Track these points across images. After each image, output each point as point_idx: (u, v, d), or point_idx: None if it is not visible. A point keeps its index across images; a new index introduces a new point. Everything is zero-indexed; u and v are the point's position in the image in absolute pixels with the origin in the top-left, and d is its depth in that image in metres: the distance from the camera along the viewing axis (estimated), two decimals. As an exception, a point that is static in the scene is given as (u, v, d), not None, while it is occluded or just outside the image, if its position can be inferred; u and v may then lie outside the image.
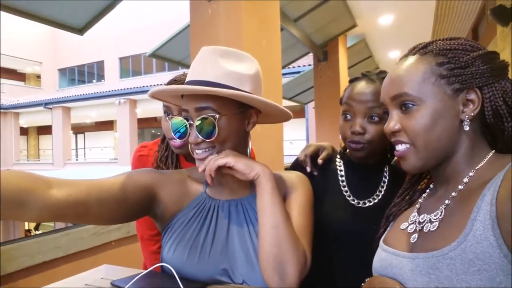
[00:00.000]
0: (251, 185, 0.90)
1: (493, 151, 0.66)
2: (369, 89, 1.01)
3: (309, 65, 6.12)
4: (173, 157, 1.26)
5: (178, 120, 0.85)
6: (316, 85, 5.62)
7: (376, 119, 0.99)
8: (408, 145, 0.67)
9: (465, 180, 0.65)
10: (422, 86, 0.66)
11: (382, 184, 1.07)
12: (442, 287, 0.55)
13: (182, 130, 0.85)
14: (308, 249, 0.81)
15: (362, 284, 0.73)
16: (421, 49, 0.70)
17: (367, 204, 1.03)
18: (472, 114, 0.65)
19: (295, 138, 13.06)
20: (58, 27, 2.47)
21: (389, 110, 0.70)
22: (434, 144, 0.66)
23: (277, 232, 0.76)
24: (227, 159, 0.79)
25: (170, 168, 1.23)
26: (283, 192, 0.89)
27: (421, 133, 0.65)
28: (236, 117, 0.84)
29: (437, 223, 0.64)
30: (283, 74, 8.87)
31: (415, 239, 0.66)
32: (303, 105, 10.34)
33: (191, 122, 0.82)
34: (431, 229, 0.64)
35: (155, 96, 0.88)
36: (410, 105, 0.66)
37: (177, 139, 0.86)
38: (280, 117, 0.93)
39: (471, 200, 0.59)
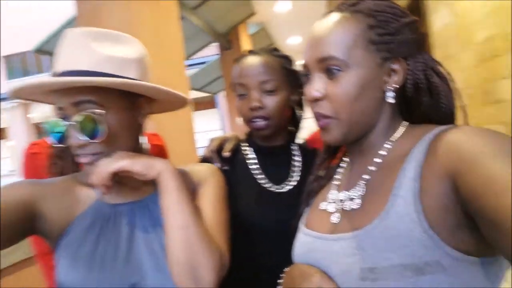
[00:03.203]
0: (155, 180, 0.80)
1: (407, 122, 0.65)
2: (257, 62, 0.99)
3: (217, 54, 6.06)
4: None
5: (53, 120, 0.72)
6: (224, 74, 5.63)
7: (272, 91, 0.97)
8: (327, 119, 0.62)
9: (382, 152, 0.62)
10: (352, 50, 0.59)
11: (295, 164, 1.04)
12: (367, 267, 0.53)
13: (59, 133, 0.72)
14: (225, 247, 0.76)
15: (281, 275, 0.70)
16: (351, 6, 0.62)
17: (285, 188, 1.00)
18: (395, 85, 0.61)
19: (210, 129, 12.99)
20: None
21: (311, 73, 0.63)
22: (359, 117, 0.61)
23: (187, 233, 0.70)
24: (122, 163, 0.69)
25: (69, 163, 1.07)
26: (191, 188, 0.81)
27: (347, 103, 0.59)
28: (124, 109, 0.73)
29: (359, 200, 0.61)
30: (189, 65, 8.70)
31: (337, 219, 0.63)
32: (213, 95, 10.30)
33: (70, 121, 0.69)
34: (353, 207, 0.61)
35: (18, 95, 0.73)
36: (336, 70, 0.59)
37: (57, 143, 0.72)
38: (176, 103, 0.86)
39: (392, 174, 0.57)
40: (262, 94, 0.98)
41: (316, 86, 0.61)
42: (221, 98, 10.43)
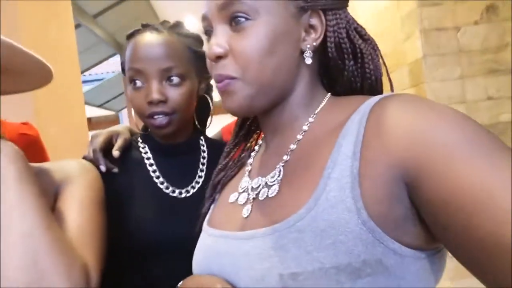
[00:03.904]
0: None
1: (329, 94, 0.55)
2: (159, 41, 0.79)
3: (113, 72, 5.66)
4: None
5: None
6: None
7: (177, 80, 0.78)
8: (231, 80, 0.50)
9: (305, 127, 0.52)
10: None
11: (204, 162, 0.87)
12: (288, 272, 0.41)
13: None
14: (94, 263, 0.59)
15: None
16: None
17: (191, 192, 0.83)
18: (314, 44, 0.51)
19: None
20: None
21: (213, 26, 0.52)
22: (270, 77, 0.49)
23: (31, 243, 0.52)
24: None
25: None
26: (52, 188, 0.65)
27: (254, 58, 0.48)
28: None
29: (276, 187, 0.49)
30: (88, 81, 8.02)
31: (249, 212, 0.50)
32: (117, 113, 9.65)
33: None
34: (269, 195, 0.49)
35: None
36: (243, 19, 0.49)
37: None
38: (36, 74, 0.65)
39: (321, 153, 0.46)
40: (164, 84, 0.78)
41: (218, 39, 0.49)
42: (126, 116, 9.80)
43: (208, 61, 0.52)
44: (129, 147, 0.85)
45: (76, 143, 1.97)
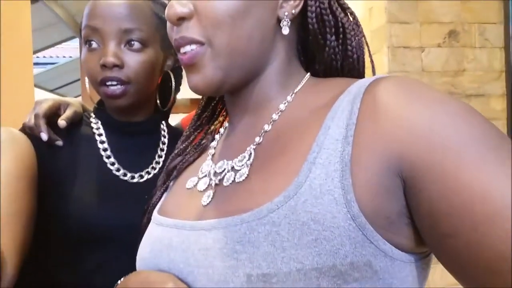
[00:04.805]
0: None
1: (308, 73, 0.50)
2: (121, 1, 0.71)
3: (70, 57, 5.35)
4: None
5: None
6: (82, 76, 4.96)
7: (138, 45, 0.71)
8: (201, 46, 0.43)
9: (281, 107, 0.46)
10: None
11: (160, 149, 0.80)
12: (258, 272, 0.34)
13: None
14: (10, 254, 0.52)
15: None
16: None
17: (144, 178, 0.76)
18: (293, 11, 0.46)
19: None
20: None
21: None
22: (242, 43, 0.43)
23: None
24: None
25: None
26: None
27: (225, 19, 0.42)
28: None
29: (246, 170, 0.43)
30: (40, 64, 7.51)
31: (210, 199, 0.44)
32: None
33: None
34: (236, 180, 0.43)
35: None
36: None
37: None
38: None
39: (302, 136, 0.41)
40: (123, 48, 0.71)
41: (182, 0, 0.43)
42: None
43: (168, 26, 0.45)
44: (79, 122, 0.76)
45: (21, 124, 1.81)
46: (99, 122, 0.78)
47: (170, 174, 0.56)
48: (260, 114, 0.48)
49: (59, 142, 0.71)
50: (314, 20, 0.47)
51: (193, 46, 0.43)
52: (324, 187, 0.35)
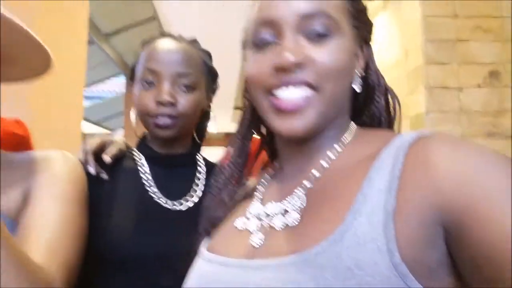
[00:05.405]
0: None
1: (354, 123, 0.54)
2: (177, 48, 0.81)
3: (115, 91, 5.67)
4: None
5: None
6: (126, 110, 5.24)
7: (189, 87, 0.80)
8: (310, 90, 0.45)
9: (331, 155, 0.49)
10: (340, 12, 0.47)
11: (199, 177, 0.84)
12: None
13: None
14: (62, 270, 0.52)
15: None
16: None
17: (185, 205, 0.79)
18: (362, 70, 0.51)
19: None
20: None
21: (283, 33, 0.47)
22: (341, 96, 0.48)
23: None
24: None
25: None
26: (29, 176, 0.58)
27: (334, 72, 0.45)
28: None
29: (297, 215, 0.44)
30: (87, 97, 8.01)
31: (260, 241, 0.45)
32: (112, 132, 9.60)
33: None
34: (289, 224, 0.44)
35: None
36: (324, 34, 0.46)
37: None
38: (34, 58, 0.58)
39: (349, 184, 0.43)
40: (177, 88, 0.79)
41: (292, 47, 0.45)
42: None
43: (267, 69, 0.46)
44: (122, 157, 0.83)
45: (69, 152, 1.92)
46: (142, 155, 0.84)
47: (210, 220, 0.57)
48: (310, 158, 0.50)
49: (104, 176, 0.77)
50: (374, 78, 0.52)
51: (305, 90, 0.45)
52: (367, 235, 0.37)
